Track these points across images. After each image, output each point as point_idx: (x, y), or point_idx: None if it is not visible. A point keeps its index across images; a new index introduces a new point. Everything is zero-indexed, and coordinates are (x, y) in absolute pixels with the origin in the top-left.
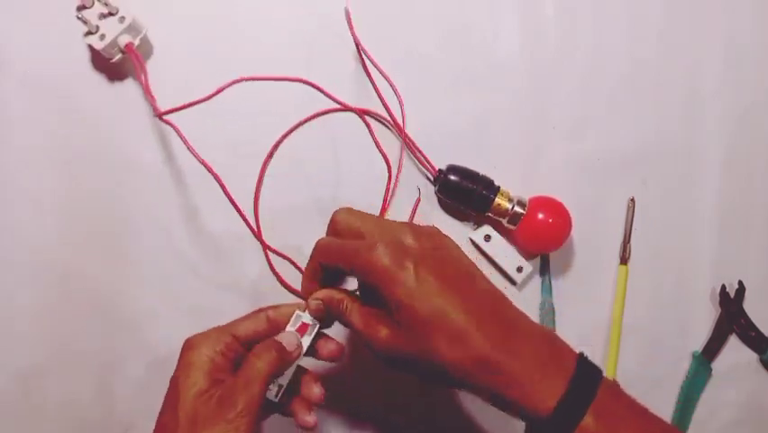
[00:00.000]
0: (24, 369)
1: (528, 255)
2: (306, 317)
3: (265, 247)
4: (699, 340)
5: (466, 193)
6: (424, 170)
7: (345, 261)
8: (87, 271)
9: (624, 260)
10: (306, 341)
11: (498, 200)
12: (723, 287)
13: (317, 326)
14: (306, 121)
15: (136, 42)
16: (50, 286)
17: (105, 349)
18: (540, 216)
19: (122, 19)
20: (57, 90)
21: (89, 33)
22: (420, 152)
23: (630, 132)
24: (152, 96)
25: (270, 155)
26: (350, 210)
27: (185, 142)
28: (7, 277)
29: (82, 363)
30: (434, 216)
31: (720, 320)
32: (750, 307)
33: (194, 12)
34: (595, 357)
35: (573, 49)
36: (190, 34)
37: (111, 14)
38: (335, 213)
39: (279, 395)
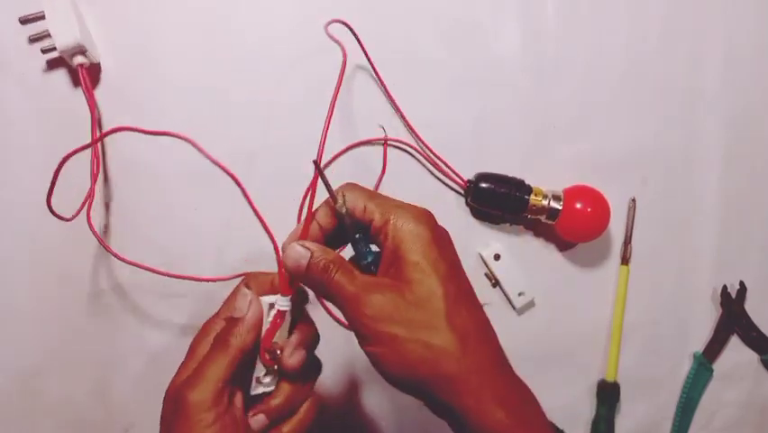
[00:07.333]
0: (24, 369)
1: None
2: (282, 303)
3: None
4: (700, 340)
5: (500, 198)
6: (450, 183)
7: (382, 209)
8: (87, 271)
9: (625, 260)
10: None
11: (533, 199)
12: (724, 287)
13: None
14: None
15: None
16: (50, 286)
17: (105, 349)
18: (578, 205)
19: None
20: (57, 90)
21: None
22: (447, 164)
23: (630, 132)
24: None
25: None
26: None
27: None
28: (7, 277)
29: (82, 363)
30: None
31: (721, 321)
32: (751, 307)
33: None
34: (596, 358)
35: (574, 48)
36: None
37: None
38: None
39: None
